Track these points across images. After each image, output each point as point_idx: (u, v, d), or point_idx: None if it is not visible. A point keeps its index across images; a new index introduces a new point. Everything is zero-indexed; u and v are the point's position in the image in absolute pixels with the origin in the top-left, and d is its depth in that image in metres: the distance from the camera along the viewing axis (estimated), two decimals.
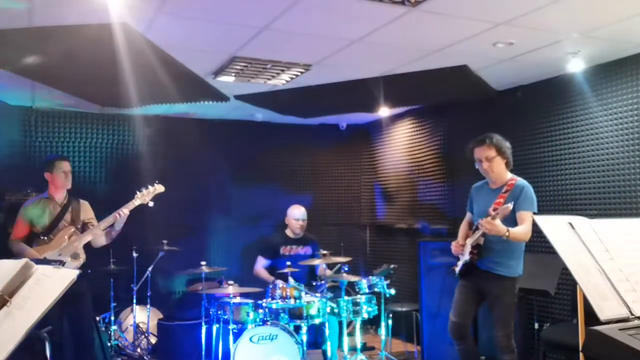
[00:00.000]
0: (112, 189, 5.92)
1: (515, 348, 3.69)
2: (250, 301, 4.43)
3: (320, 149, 7.18)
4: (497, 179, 3.79)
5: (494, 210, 3.61)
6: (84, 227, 4.27)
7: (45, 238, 4.13)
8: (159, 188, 4.39)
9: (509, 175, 3.80)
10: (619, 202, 4.26)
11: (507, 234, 3.48)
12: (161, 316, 5.61)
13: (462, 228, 4.05)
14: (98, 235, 4.21)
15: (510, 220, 3.62)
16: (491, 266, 3.71)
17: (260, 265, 5.36)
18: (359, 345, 4.75)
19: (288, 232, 5.47)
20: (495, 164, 3.74)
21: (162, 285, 6.20)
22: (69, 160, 4.34)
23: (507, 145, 3.79)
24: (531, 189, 3.70)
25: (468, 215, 4.06)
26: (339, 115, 6.73)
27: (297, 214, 5.42)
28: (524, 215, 3.59)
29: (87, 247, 4.25)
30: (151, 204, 4.30)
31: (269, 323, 4.34)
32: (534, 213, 3.61)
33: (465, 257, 3.78)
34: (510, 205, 3.44)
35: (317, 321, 4.44)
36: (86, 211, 4.37)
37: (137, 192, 4.30)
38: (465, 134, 5.08)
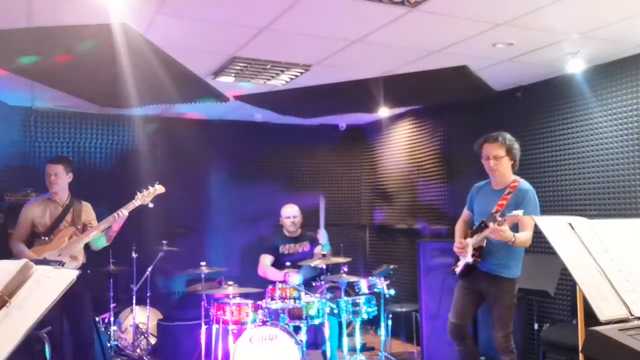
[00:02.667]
0: (112, 189, 5.89)
1: (514, 349, 3.69)
2: (249, 301, 4.42)
3: (320, 150, 7.18)
4: (500, 180, 3.78)
5: (496, 212, 3.60)
6: (84, 228, 4.27)
7: (46, 238, 4.14)
8: (159, 189, 4.38)
9: (513, 176, 3.79)
10: (619, 202, 4.26)
11: (513, 240, 3.48)
12: (161, 316, 5.60)
13: (459, 226, 4.04)
14: (97, 236, 4.21)
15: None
16: (491, 267, 3.70)
17: (266, 262, 5.33)
18: (358, 346, 4.74)
19: (285, 231, 5.48)
20: (502, 164, 3.73)
21: (162, 285, 6.20)
22: (60, 163, 4.29)
23: (517, 147, 3.77)
24: (534, 193, 3.69)
25: (466, 213, 4.04)
26: (339, 116, 6.72)
27: (288, 212, 5.43)
28: (526, 220, 3.55)
29: (87, 247, 4.26)
30: (151, 205, 4.30)
31: (268, 323, 4.34)
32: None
33: (467, 258, 3.76)
34: (520, 213, 3.38)
35: (316, 321, 4.44)
36: (87, 213, 4.37)
37: (137, 193, 4.30)
38: (465, 134, 5.10)
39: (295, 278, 4.81)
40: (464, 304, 3.87)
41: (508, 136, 3.76)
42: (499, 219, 3.46)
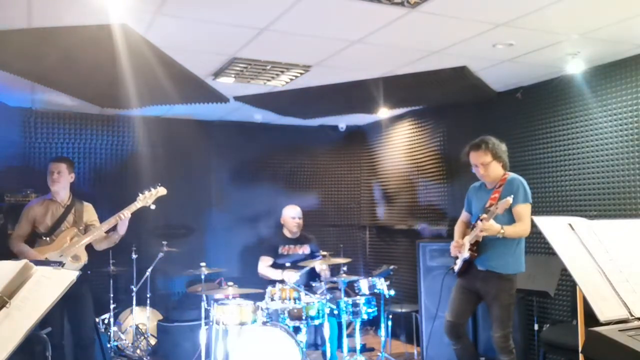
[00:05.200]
0: (112, 190, 5.90)
1: (513, 349, 3.70)
2: (249, 302, 4.42)
3: (320, 150, 7.18)
4: (493, 180, 3.81)
5: (491, 205, 3.63)
6: (86, 229, 4.27)
7: (47, 239, 4.14)
8: (162, 191, 4.38)
9: (502, 172, 3.81)
10: (619, 202, 4.26)
11: (501, 231, 3.50)
12: (161, 317, 5.60)
13: (458, 227, 4.05)
14: (99, 238, 4.21)
15: (508, 216, 3.62)
16: (490, 264, 3.71)
17: (265, 264, 5.34)
18: (358, 347, 4.75)
19: (285, 232, 5.48)
20: (491, 169, 3.75)
21: (162, 286, 6.20)
22: (64, 162, 4.31)
23: (502, 148, 3.79)
24: (524, 182, 3.72)
25: (464, 214, 4.06)
26: (339, 117, 6.72)
27: (292, 212, 5.44)
28: (519, 209, 3.61)
29: (89, 248, 4.25)
30: (153, 206, 4.30)
31: (268, 324, 4.33)
32: (530, 205, 3.64)
33: (465, 254, 3.78)
34: (510, 199, 3.45)
35: (316, 322, 4.44)
36: (89, 213, 4.37)
37: (139, 194, 4.29)
38: (464, 135, 5.08)
39: (293, 277, 4.83)
40: (461, 303, 3.87)
41: (491, 140, 3.76)
42: (486, 214, 3.50)
